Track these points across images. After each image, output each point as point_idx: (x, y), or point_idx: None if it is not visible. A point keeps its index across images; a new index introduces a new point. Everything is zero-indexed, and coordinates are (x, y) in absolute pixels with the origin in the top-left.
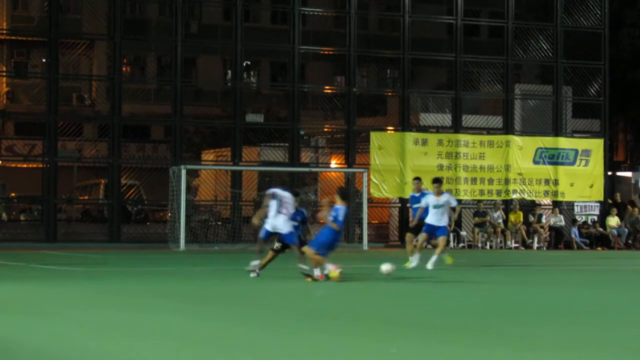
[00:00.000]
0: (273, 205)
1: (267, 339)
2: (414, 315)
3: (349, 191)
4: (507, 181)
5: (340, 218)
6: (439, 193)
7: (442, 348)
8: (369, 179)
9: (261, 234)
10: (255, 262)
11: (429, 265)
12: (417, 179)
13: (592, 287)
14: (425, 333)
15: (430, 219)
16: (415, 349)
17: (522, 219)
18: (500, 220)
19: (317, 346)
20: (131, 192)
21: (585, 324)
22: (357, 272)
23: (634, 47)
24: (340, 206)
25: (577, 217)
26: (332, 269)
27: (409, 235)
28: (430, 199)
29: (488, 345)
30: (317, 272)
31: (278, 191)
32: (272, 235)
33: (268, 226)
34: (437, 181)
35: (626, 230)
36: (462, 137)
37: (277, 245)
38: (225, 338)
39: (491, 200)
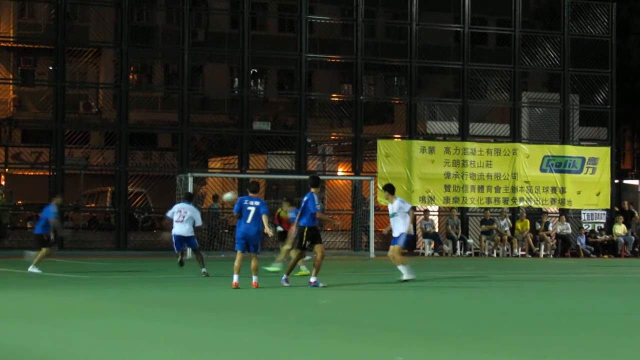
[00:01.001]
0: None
1: (272, 345)
2: (419, 322)
3: (254, 183)
4: (514, 189)
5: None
6: (391, 201)
7: (447, 354)
8: (376, 187)
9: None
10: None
11: (406, 276)
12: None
13: (599, 294)
14: (430, 340)
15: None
16: (420, 356)
17: (528, 227)
18: (507, 228)
19: (322, 352)
20: (138, 199)
21: (591, 332)
22: (364, 279)
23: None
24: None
25: (584, 224)
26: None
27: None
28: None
29: (493, 352)
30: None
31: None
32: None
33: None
34: (386, 188)
35: (633, 238)
36: (469, 145)
37: (306, 243)
38: (231, 345)
39: (498, 208)
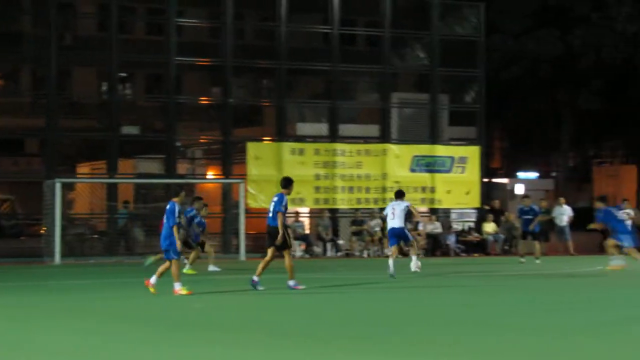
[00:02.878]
0: None
1: (145, 353)
2: (299, 324)
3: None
4: (384, 189)
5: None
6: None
7: (340, 357)
8: (245, 190)
9: None
10: None
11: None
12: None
13: (481, 292)
14: (318, 343)
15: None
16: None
17: None
18: (378, 229)
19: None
20: (5, 206)
21: (471, 328)
22: (235, 283)
23: (506, 50)
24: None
25: (453, 224)
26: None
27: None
28: None
29: (393, 353)
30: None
31: None
32: None
33: None
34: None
35: (502, 236)
36: (339, 147)
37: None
38: (99, 353)
39: (368, 208)
